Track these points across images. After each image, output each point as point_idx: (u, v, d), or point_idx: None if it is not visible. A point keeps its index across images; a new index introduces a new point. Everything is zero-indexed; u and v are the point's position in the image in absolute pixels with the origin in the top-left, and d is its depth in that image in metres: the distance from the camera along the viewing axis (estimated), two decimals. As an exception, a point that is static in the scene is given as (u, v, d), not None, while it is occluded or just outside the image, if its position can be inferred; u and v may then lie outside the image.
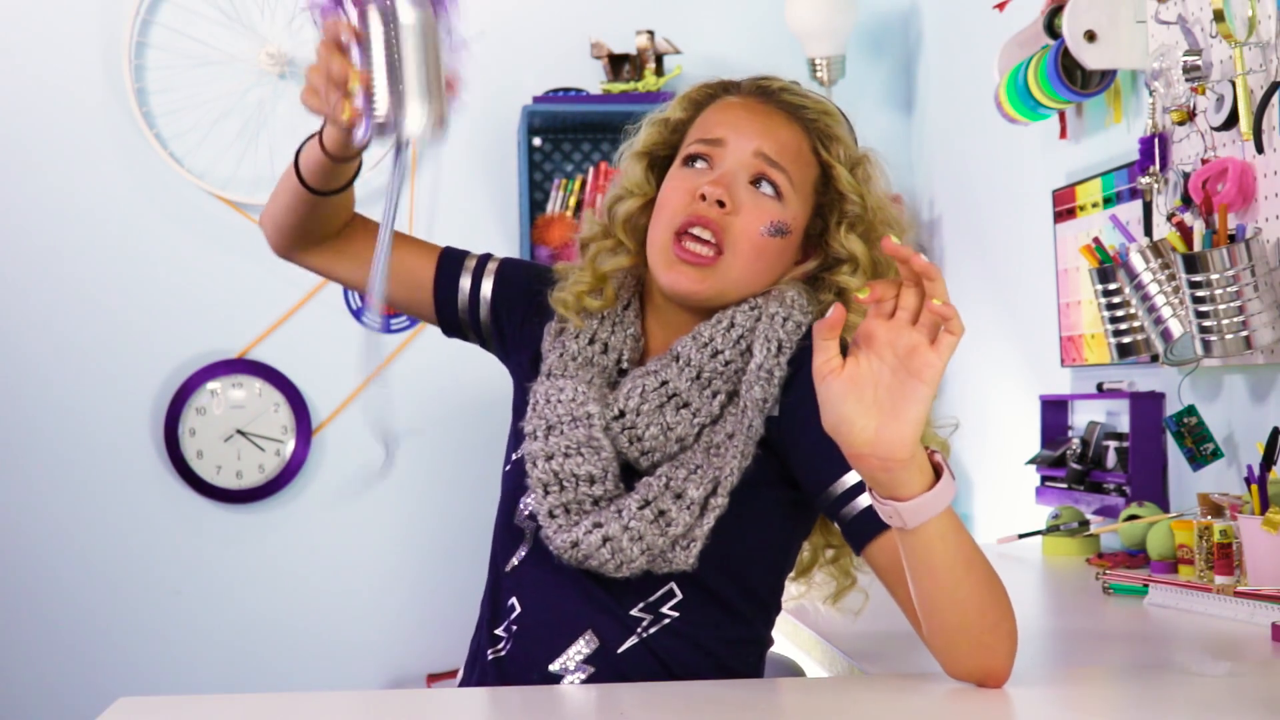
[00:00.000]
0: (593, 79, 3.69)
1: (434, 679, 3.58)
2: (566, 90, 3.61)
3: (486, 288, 1.63)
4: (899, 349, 1.15)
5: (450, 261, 1.65)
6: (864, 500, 1.35)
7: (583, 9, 3.75)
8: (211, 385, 3.62)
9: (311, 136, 1.50)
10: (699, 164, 1.51)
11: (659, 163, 1.58)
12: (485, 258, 1.66)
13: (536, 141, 3.69)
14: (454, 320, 1.65)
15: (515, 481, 1.52)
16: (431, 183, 3.68)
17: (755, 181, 1.49)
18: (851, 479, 1.36)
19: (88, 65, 3.60)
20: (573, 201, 3.62)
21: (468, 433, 3.62)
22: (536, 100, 3.57)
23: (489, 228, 3.70)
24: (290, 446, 3.64)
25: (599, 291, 1.56)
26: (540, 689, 1.42)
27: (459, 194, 3.67)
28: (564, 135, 3.70)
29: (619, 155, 1.62)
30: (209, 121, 3.62)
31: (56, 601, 3.57)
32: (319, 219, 1.59)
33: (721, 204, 1.47)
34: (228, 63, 3.63)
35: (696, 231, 1.47)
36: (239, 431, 3.63)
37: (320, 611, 3.65)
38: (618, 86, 3.60)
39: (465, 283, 1.64)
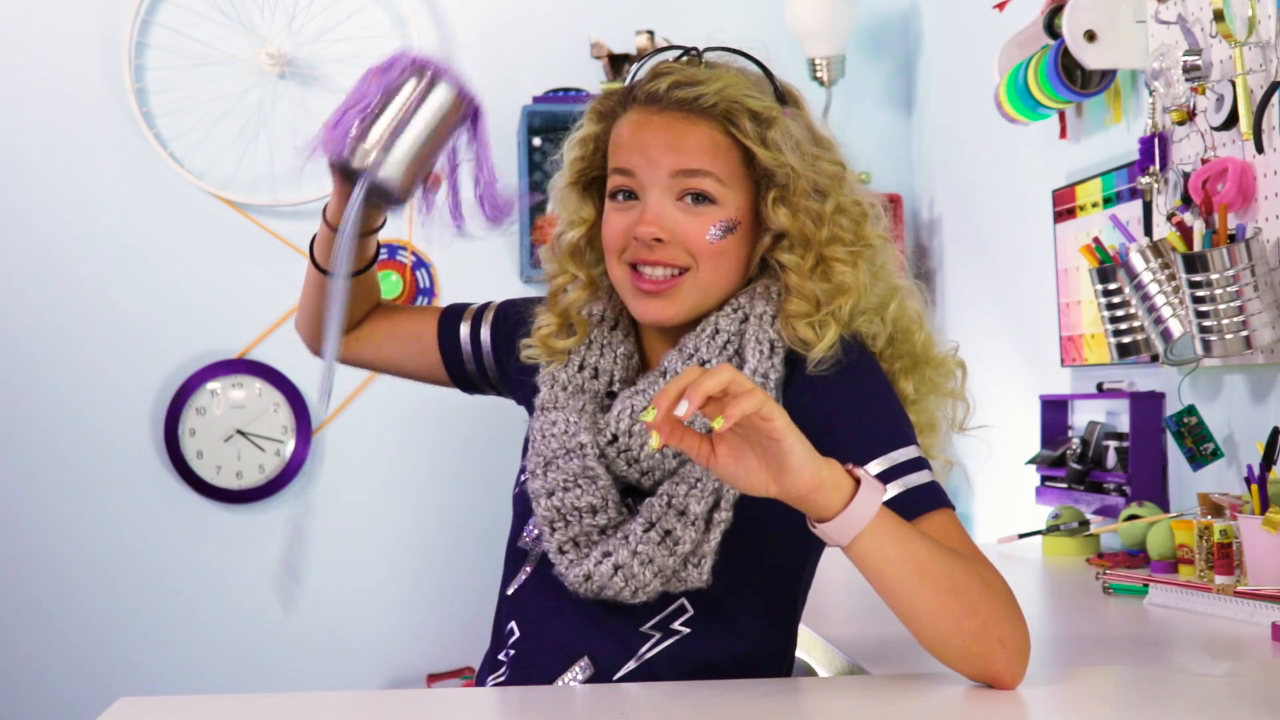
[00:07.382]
0: (593, 79, 3.68)
1: (434, 679, 3.58)
2: (566, 90, 3.61)
3: (486, 335, 1.66)
4: (742, 423, 1.20)
5: (450, 318, 1.67)
6: None
7: (583, 9, 3.74)
8: (211, 385, 3.62)
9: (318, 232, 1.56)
10: (624, 198, 1.47)
11: (594, 182, 1.55)
12: (484, 306, 1.68)
13: (536, 141, 3.68)
14: (464, 375, 1.67)
15: (523, 504, 1.52)
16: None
17: (683, 197, 1.45)
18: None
19: (88, 65, 3.60)
20: (573, 201, 3.61)
21: (468, 433, 3.62)
22: (536, 100, 3.57)
23: (489, 228, 3.69)
24: (290, 447, 3.64)
25: (566, 329, 1.54)
26: (541, 689, 1.42)
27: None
28: (564, 135, 3.66)
29: (551, 185, 1.62)
30: (209, 121, 3.62)
31: (56, 601, 3.57)
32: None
33: (658, 239, 1.44)
34: (228, 63, 3.62)
35: (646, 271, 1.45)
36: (239, 431, 3.63)
37: (320, 611, 3.64)
38: (618, 86, 3.59)
39: (465, 333, 1.66)
